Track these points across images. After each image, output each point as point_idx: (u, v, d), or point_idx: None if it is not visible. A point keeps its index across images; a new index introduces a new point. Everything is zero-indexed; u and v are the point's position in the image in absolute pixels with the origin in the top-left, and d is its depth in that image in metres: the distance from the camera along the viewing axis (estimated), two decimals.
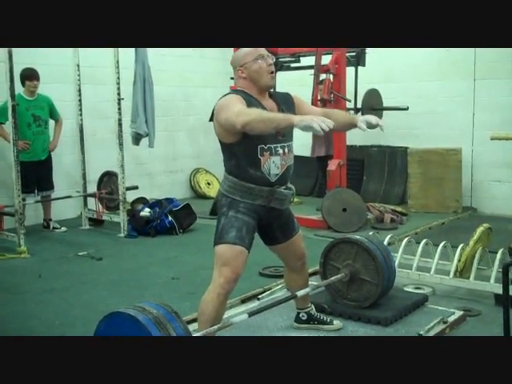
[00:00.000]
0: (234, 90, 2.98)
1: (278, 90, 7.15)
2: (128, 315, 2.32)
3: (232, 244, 2.85)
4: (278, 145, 2.91)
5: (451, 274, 4.06)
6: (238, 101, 2.78)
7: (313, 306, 3.45)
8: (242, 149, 2.86)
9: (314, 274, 4.61)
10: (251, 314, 2.93)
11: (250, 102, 2.83)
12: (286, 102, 3.04)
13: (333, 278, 3.55)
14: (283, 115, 2.75)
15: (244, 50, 2.94)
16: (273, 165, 2.89)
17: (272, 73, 2.92)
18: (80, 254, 5.40)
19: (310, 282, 3.43)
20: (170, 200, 6.56)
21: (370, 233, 4.56)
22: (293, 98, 3.09)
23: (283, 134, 2.93)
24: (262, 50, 2.93)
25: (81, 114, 6.54)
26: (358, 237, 3.63)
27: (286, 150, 2.96)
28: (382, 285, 3.49)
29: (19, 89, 5.80)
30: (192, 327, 3.41)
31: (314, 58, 6.11)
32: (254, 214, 2.91)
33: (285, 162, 2.95)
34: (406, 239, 4.46)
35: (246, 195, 2.89)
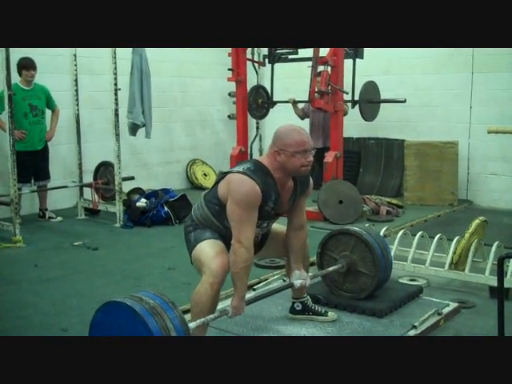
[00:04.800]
0: (257, 172, 2.81)
1: (275, 81, 7.22)
2: (125, 305, 2.32)
3: (212, 239, 2.91)
4: (267, 221, 2.99)
5: (446, 266, 4.07)
6: (251, 215, 2.76)
7: (308, 297, 3.46)
8: None
9: (310, 264, 4.62)
10: (247, 303, 2.93)
11: (267, 194, 2.81)
12: (302, 185, 3.05)
13: (330, 269, 3.55)
14: (245, 290, 2.89)
15: (291, 137, 2.81)
16: None
17: (307, 166, 2.86)
18: (76, 243, 5.40)
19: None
20: (166, 191, 6.55)
21: (366, 225, 4.57)
22: (309, 186, 3.12)
23: (280, 214, 3.02)
24: (308, 144, 2.83)
25: (77, 104, 6.52)
26: (357, 228, 3.63)
27: (270, 224, 3.06)
28: (378, 277, 3.49)
29: (16, 78, 5.78)
30: (188, 317, 3.42)
31: (312, 49, 6.10)
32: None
33: (262, 231, 3.01)
34: (401, 231, 4.47)
35: (211, 226, 2.96)
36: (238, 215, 2.75)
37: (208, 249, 2.86)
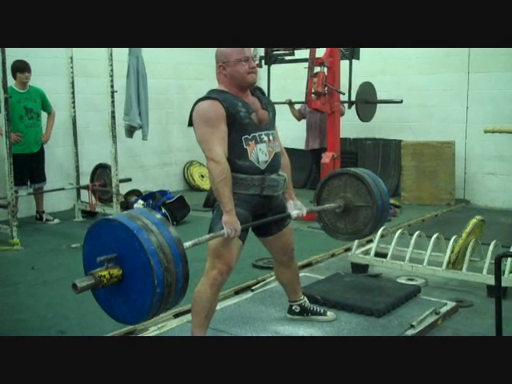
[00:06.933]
0: (212, 93, 2.89)
1: (271, 82, 7.22)
2: (107, 219, 2.39)
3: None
4: (263, 132, 2.91)
5: (444, 265, 4.07)
6: (217, 131, 2.74)
7: (306, 299, 3.45)
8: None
9: (307, 265, 4.62)
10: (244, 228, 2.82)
11: (231, 103, 2.81)
12: (265, 99, 3.05)
13: (326, 206, 3.51)
14: (230, 203, 2.73)
15: (229, 48, 2.86)
16: (260, 152, 2.88)
17: (253, 72, 2.88)
18: (73, 246, 5.38)
19: (302, 274, 3.43)
20: (163, 192, 6.55)
21: None
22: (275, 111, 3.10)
23: (266, 122, 2.95)
24: (248, 52, 2.88)
25: (74, 107, 6.52)
26: (343, 169, 3.64)
27: (271, 137, 2.95)
28: (376, 204, 3.42)
29: (11, 81, 5.77)
30: (185, 318, 3.43)
31: (308, 51, 6.10)
32: (247, 205, 2.88)
33: (272, 148, 2.94)
34: (399, 231, 4.47)
35: (238, 186, 2.85)
36: (202, 134, 2.77)
37: (216, 247, 2.82)
